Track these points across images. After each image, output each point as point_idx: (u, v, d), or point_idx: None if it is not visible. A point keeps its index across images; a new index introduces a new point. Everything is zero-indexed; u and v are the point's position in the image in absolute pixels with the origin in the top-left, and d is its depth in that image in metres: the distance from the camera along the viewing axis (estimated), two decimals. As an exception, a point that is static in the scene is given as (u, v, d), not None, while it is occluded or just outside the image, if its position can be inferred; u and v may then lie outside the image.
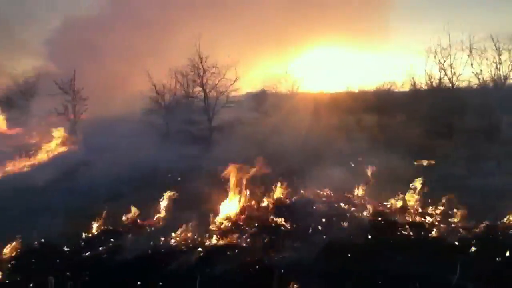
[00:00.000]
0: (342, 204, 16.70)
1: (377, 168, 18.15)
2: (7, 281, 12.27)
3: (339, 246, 13.04)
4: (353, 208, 16.30)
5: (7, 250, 13.80)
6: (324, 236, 13.79)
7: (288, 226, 14.87)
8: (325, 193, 18.02)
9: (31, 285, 11.59)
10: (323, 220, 15.00)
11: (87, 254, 13.76)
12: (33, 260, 13.27)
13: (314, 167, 21.14)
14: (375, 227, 14.55)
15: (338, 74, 60.18)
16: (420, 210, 16.10)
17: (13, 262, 13.12)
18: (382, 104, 38.80)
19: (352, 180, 18.54)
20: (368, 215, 15.58)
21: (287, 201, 16.94)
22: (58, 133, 31.46)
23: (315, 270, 11.53)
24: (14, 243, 14.03)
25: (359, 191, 17.63)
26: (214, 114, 30.50)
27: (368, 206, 16.17)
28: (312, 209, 16.03)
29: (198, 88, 31.58)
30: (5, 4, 53.38)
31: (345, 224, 14.76)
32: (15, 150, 29.02)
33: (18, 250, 13.78)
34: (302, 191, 17.75)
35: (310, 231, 14.27)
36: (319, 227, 14.49)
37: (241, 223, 15.18)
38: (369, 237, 13.82)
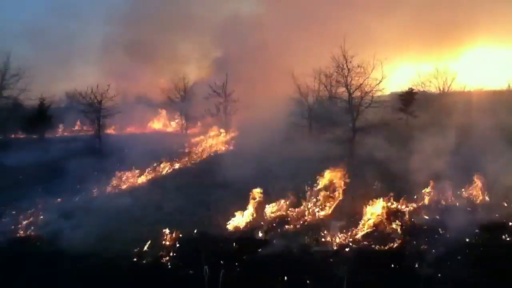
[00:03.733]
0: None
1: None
2: (169, 266, 13.83)
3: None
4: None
5: (168, 239, 15.54)
6: None
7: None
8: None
9: (190, 271, 12.84)
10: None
11: (236, 246, 14.76)
12: (192, 248, 14.71)
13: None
14: None
15: (497, 71, 53.80)
16: None
17: (174, 250, 14.73)
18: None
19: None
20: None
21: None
22: (213, 133, 34.51)
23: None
24: (174, 233, 15.76)
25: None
26: (358, 115, 29.94)
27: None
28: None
29: (342, 89, 31.36)
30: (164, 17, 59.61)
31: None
32: (178, 148, 32.35)
33: (178, 240, 15.40)
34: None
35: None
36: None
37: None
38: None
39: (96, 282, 12.66)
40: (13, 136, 46.09)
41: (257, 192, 18.00)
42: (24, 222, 18.65)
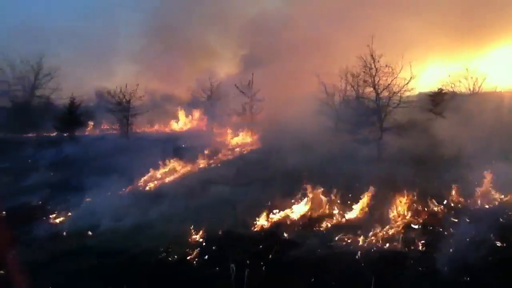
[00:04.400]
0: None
1: None
2: (194, 262, 13.97)
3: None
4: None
5: (195, 237, 15.69)
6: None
7: None
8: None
9: (217, 269, 12.94)
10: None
11: (260, 246, 14.77)
12: (218, 247, 14.82)
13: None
14: None
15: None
16: None
17: (200, 247, 14.86)
18: None
19: None
20: None
21: None
22: (239, 132, 34.68)
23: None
24: (200, 231, 15.91)
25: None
26: (386, 115, 29.48)
27: None
28: None
29: (370, 89, 30.91)
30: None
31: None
32: (204, 147, 32.59)
33: (204, 237, 15.53)
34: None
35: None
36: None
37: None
38: None
39: (123, 278, 12.87)
40: (44, 134, 47.43)
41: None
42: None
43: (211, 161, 28.95)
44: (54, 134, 47.45)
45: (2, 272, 13.89)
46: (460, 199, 17.71)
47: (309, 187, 18.43)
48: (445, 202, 17.46)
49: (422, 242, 13.99)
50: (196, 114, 49.36)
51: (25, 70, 54.35)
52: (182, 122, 52.70)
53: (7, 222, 19.00)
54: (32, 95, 53.66)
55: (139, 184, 24.29)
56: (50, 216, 19.82)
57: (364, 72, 30.36)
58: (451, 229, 14.87)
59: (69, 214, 19.83)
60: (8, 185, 25.74)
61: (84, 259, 14.63)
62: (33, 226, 18.71)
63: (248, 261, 12.99)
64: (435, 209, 16.89)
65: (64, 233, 17.58)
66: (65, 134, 45.30)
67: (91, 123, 50.24)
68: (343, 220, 16.70)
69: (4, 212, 19.99)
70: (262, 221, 17.03)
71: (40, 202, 21.92)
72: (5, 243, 16.45)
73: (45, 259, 14.89)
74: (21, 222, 19.12)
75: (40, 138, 44.20)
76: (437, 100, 37.73)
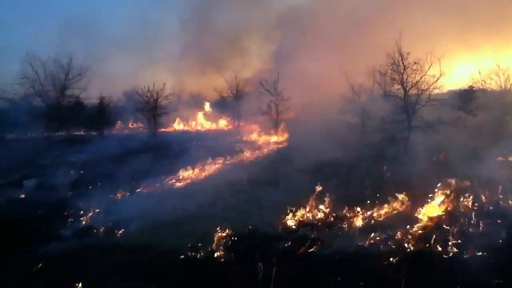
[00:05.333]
0: None
1: None
2: (222, 260, 14.06)
3: None
4: None
5: (221, 235, 15.78)
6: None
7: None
8: None
9: (244, 267, 12.96)
10: None
11: (286, 245, 14.75)
12: (244, 245, 14.86)
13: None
14: None
15: None
16: None
17: (227, 246, 14.94)
18: None
19: None
20: None
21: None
22: (265, 131, 34.75)
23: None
24: (227, 229, 16.00)
25: None
26: (414, 113, 29.04)
27: None
28: None
29: (397, 86, 30.50)
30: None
31: None
32: (230, 145, 32.82)
33: (231, 236, 15.61)
34: None
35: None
36: None
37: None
38: None
39: (151, 274, 13.08)
40: (74, 133, 48.66)
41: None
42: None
43: (238, 160, 29.10)
44: (83, 132, 48.65)
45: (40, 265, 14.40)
46: (493, 198, 17.26)
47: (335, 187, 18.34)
48: (476, 203, 17.04)
49: (453, 242, 13.69)
50: (222, 112, 49.73)
51: (56, 70, 55.76)
52: (208, 121, 53.19)
53: (41, 218, 19.67)
54: (62, 95, 54.99)
55: (167, 182, 24.62)
56: (81, 212, 20.30)
57: (391, 69, 30.02)
58: (483, 230, 14.52)
59: (100, 210, 20.26)
60: (42, 182, 26.61)
61: (115, 255, 14.95)
62: (65, 222, 19.21)
63: (274, 260, 12.97)
64: (467, 209, 16.49)
65: (95, 230, 17.96)
66: (93, 133, 46.40)
67: (119, 122, 51.26)
68: (372, 219, 16.52)
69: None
70: (288, 220, 17.01)
71: (72, 199, 22.46)
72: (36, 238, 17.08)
73: (76, 254, 15.28)
74: (54, 218, 19.74)
75: (71, 136, 45.34)
76: (468, 98, 36.87)
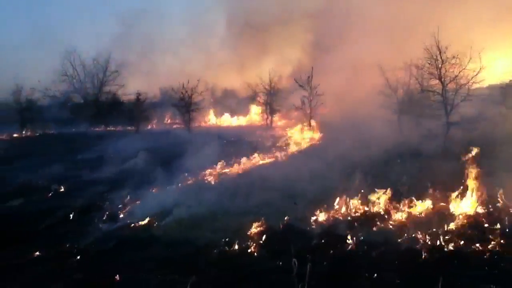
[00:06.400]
0: None
1: None
2: (255, 254, 14.16)
3: None
4: None
5: (254, 230, 15.89)
6: None
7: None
8: None
9: (279, 263, 13.03)
10: None
11: (321, 241, 14.70)
12: (278, 240, 14.92)
13: None
14: None
15: None
16: None
17: (261, 241, 15.03)
18: None
19: None
20: None
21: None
22: (299, 127, 34.62)
23: None
24: (261, 224, 16.09)
25: None
26: (453, 109, 28.18)
27: None
28: None
29: (435, 81, 29.66)
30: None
31: None
32: (264, 141, 32.90)
33: (265, 231, 15.69)
34: None
35: None
36: None
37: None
38: None
39: (187, 268, 13.29)
40: (111, 128, 50.04)
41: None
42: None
43: (271, 156, 29.14)
44: (119, 128, 49.90)
45: (78, 258, 14.89)
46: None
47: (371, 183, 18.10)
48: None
49: (493, 242, 13.31)
50: (256, 108, 49.88)
51: (95, 67, 57.53)
52: (242, 117, 53.46)
53: (80, 211, 20.32)
54: (100, 91, 56.69)
55: (202, 177, 24.93)
56: (119, 206, 20.86)
57: (429, 63, 29.20)
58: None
59: (136, 204, 20.76)
60: (82, 176, 27.49)
61: (151, 248, 15.31)
62: (103, 215, 19.75)
63: (309, 256, 12.95)
64: (505, 207, 15.95)
65: (132, 223, 18.42)
66: (129, 128, 47.53)
67: (155, 118, 52.33)
68: (406, 217, 16.23)
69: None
70: (322, 217, 16.94)
71: (109, 192, 23.09)
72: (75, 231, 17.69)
73: (112, 248, 15.73)
74: (92, 211, 20.37)
75: (109, 132, 46.61)
76: (509, 93, 35.48)
